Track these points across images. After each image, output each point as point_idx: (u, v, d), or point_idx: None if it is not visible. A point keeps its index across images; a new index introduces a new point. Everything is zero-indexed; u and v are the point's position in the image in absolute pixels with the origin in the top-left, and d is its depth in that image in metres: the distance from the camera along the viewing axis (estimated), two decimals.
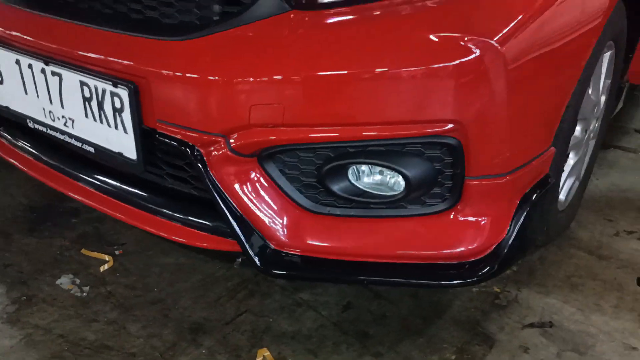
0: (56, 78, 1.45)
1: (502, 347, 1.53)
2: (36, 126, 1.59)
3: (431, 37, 1.16)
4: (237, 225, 1.34)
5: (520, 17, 1.18)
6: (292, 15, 1.23)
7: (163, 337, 1.56)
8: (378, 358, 1.50)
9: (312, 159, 1.30)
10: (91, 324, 1.60)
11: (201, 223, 1.45)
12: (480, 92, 1.16)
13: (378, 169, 1.32)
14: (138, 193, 1.53)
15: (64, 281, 1.75)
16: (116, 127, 1.39)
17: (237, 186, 1.33)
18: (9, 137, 1.82)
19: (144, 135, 1.36)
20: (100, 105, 1.39)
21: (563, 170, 1.68)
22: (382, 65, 1.17)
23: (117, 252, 1.87)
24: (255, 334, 1.57)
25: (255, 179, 1.34)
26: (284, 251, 1.36)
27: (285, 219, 1.35)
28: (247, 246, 1.35)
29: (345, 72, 1.18)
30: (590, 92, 1.65)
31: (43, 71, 1.47)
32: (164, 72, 1.26)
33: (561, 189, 1.75)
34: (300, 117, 1.23)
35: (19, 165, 1.77)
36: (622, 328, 1.59)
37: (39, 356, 1.50)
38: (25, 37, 1.49)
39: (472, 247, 1.33)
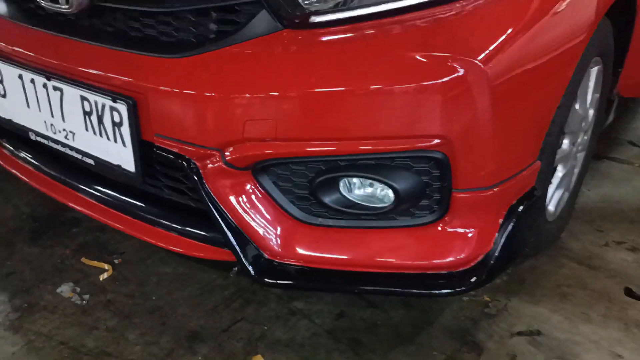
0: (57, 93, 1.50)
1: (490, 355, 1.57)
2: (38, 138, 1.64)
3: (418, 56, 1.20)
4: (232, 235, 1.39)
5: (503, 36, 1.23)
6: (284, 34, 1.28)
7: (161, 344, 1.61)
8: None
9: (304, 172, 1.35)
10: (91, 331, 1.65)
11: (198, 233, 1.50)
12: (464, 109, 1.21)
13: (369, 181, 1.37)
14: (137, 204, 1.58)
15: (65, 289, 1.80)
16: (115, 141, 1.43)
17: (232, 198, 1.37)
18: (11, 148, 1.86)
19: (142, 149, 1.41)
20: (100, 120, 1.43)
21: (550, 183, 1.72)
22: (371, 83, 1.21)
23: (116, 261, 1.91)
24: (251, 341, 1.61)
25: (250, 191, 1.38)
26: (278, 261, 1.40)
27: (278, 229, 1.40)
28: (241, 256, 1.39)
29: (336, 89, 1.22)
30: (577, 106, 1.69)
31: (45, 86, 1.52)
32: (162, 88, 1.31)
33: (550, 201, 1.79)
34: (292, 131, 1.27)
35: (21, 176, 1.81)
36: (609, 337, 1.63)
37: None
38: (27, 52, 1.54)
39: (461, 257, 1.37)
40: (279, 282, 1.42)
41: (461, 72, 1.18)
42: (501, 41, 1.23)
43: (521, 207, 1.42)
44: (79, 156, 1.55)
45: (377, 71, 1.22)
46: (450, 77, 1.18)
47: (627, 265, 1.91)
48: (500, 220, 1.39)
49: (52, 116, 1.55)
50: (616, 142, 2.78)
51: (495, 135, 1.26)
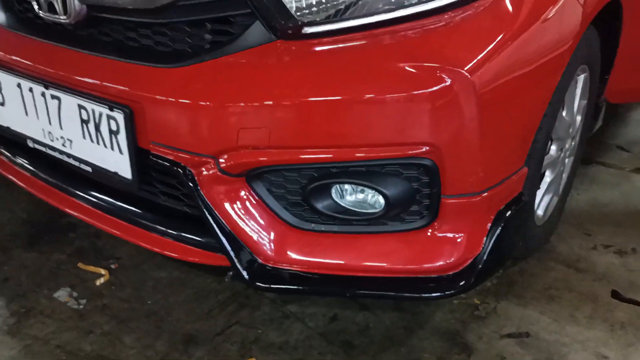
0: (55, 101, 1.53)
1: (480, 356, 1.61)
2: (36, 146, 1.67)
3: (407, 66, 1.24)
4: (226, 240, 1.42)
5: (490, 47, 1.27)
6: (278, 45, 1.31)
7: (156, 347, 1.63)
8: None
9: (297, 178, 1.38)
10: (88, 335, 1.67)
11: (193, 239, 1.52)
12: (451, 117, 1.25)
13: (360, 187, 1.40)
14: (133, 210, 1.60)
15: (62, 294, 1.82)
16: (112, 148, 1.46)
17: (226, 204, 1.41)
18: (9, 154, 1.88)
19: (139, 156, 1.44)
20: (97, 128, 1.46)
21: (539, 188, 1.75)
22: (362, 93, 1.25)
23: (112, 266, 1.93)
24: (245, 344, 1.64)
25: (244, 197, 1.41)
26: (271, 265, 1.44)
27: (272, 235, 1.43)
28: (235, 261, 1.43)
29: (328, 98, 1.26)
30: (564, 113, 1.73)
31: (43, 94, 1.54)
32: (158, 97, 1.34)
33: (539, 205, 1.82)
34: (286, 139, 1.31)
35: (19, 182, 1.84)
36: (595, 338, 1.67)
37: None
38: (26, 62, 1.57)
39: (450, 261, 1.41)
40: (272, 286, 1.45)
41: (448, 82, 1.21)
42: (488, 52, 1.26)
43: (509, 212, 1.46)
44: (77, 163, 1.58)
45: (368, 81, 1.26)
46: (438, 87, 1.22)
47: (614, 268, 1.95)
48: (489, 225, 1.43)
49: (50, 124, 1.58)
50: (605, 146, 2.82)
51: (482, 142, 1.30)
